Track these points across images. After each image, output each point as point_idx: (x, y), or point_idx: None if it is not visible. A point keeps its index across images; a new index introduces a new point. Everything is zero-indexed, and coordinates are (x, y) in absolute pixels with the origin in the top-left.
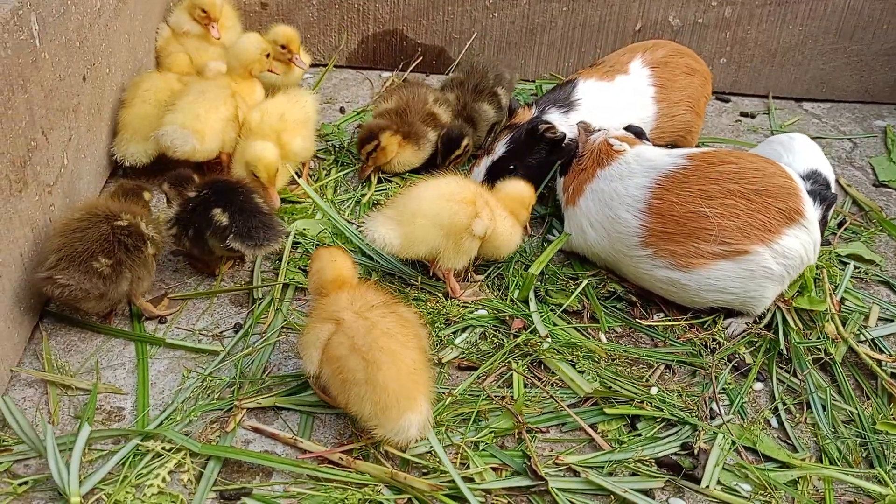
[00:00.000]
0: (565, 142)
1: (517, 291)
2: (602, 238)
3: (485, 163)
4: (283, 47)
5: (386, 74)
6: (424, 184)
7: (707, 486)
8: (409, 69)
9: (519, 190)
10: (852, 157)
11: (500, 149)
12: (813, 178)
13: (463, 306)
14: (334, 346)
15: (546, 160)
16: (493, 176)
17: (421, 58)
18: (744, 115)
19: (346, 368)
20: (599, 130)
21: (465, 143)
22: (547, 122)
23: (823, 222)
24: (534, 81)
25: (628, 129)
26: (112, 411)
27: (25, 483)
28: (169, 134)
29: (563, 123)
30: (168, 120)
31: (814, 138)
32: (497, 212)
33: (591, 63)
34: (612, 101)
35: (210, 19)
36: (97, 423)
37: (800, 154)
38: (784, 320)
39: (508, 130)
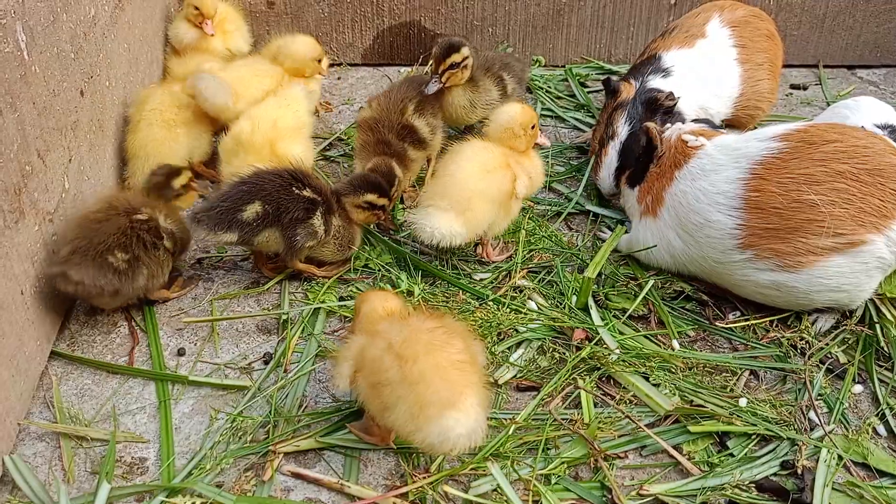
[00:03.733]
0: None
1: (574, 298)
2: (690, 247)
3: (613, 148)
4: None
5: (405, 70)
6: (457, 159)
7: None
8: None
9: (509, 118)
10: None
11: (622, 129)
12: (889, 129)
13: (515, 312)
14: (368, 350)
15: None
16: (625, 157)
17: None
18: (794, 87)
19: (379, 370)
20: (669, 127)
21: (465, 52)
22: (660, 90)
23: None
24: (563, 66)
25: (697, 121)
26: (133, 463)
27: None
28: (205, 81)
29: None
30: (210, 68)
31: None
32: (523, 163)
33: (656, 35)
34: (700, 67)
35: (203, 16)
36: (117, 478)
37: (867, 112)
38: (879, 313)
39: (621, 109)
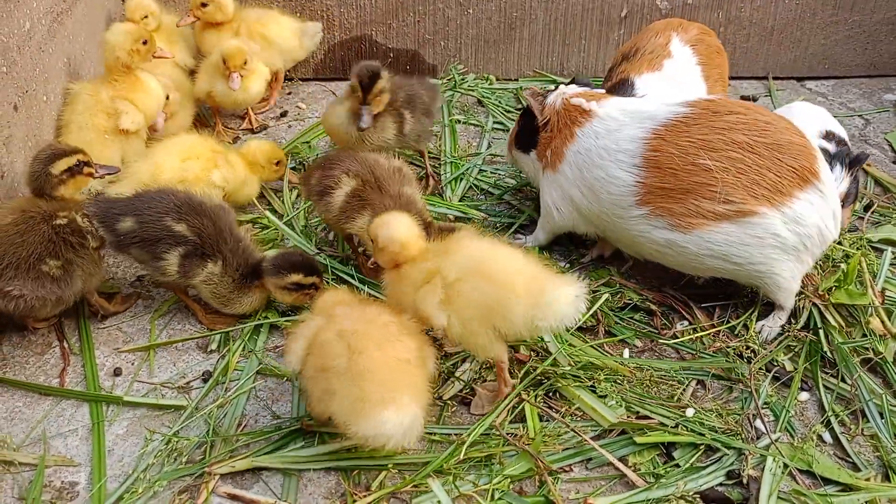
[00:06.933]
0: None
1: None
2: (593, 203)
3: None
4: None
5: None
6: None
7: None
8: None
9: None
10: (866, 135)
11: None
12: (829, 138)
13: None
14: (321, 333)
15: None
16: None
17: (393, 62)
18: (745, 98)
19: (328, 354)
20: (550, 93)
21: (386, 75)
22: None
23: (856, 185)
24: (517, 80)
25: (574, 82)
26: (63, 488)
27: None
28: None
29: None
30: None
31: None
32: None
33: (620, 56)
34: (672, 90)
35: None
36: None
37: (801, 117)
38: (823, 319)
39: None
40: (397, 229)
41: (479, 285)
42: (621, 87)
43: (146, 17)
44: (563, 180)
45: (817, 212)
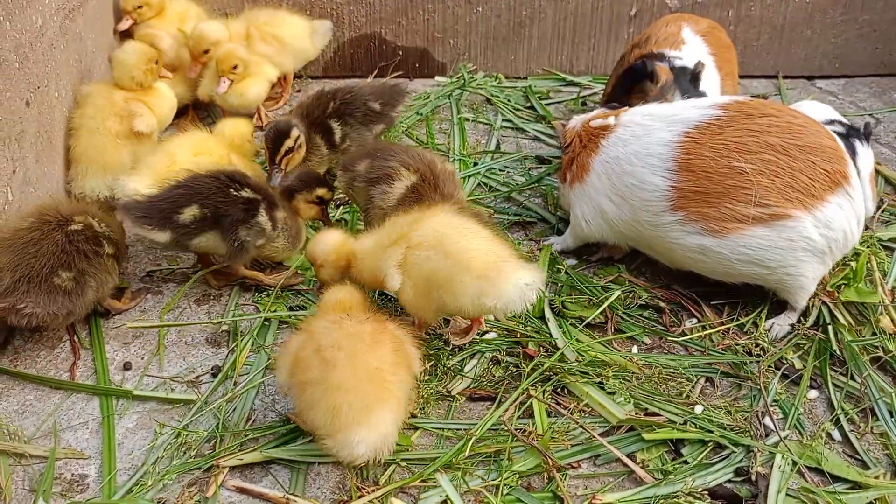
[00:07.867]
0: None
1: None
2: (625, 212)
3: None
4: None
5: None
6: None
7: None
8: (389, 74)
9: None
10: (877, 134)
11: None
12: (831, 124)
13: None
14: (302, 349)
15: None
16: None
17: (401, 61)
18: (755, 97)
19: (305, 368)
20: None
21: (295, 133)
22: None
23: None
24: (525, 78)
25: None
26: (74, 480)
27: None
28: None
29: None
30: None
31: None
32: None
33: (633, 43)
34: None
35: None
36: (56, 496)
37: (810, 113)
38: (832, 317)
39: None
40: (327, 240)
41: (434, 256)
42: (648, 59)
43: (140, 7)
44: (591, 191)
45: (845, 216)
